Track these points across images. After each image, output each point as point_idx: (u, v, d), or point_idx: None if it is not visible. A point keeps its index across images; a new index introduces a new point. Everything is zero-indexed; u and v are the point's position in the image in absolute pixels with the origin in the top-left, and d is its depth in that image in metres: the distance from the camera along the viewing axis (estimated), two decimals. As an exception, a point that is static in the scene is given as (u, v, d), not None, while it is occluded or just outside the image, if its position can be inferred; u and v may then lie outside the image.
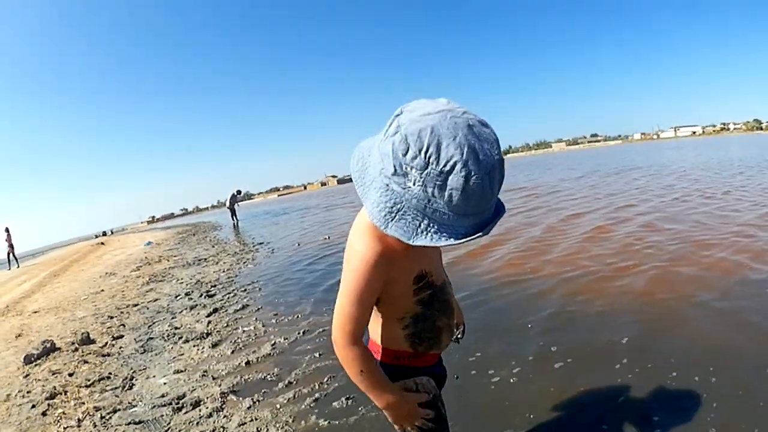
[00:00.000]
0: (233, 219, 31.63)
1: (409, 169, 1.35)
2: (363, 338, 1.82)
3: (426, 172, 1.33)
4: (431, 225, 1.41)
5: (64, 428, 4.46)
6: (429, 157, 1.31)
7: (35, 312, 10.84)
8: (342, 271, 1.80)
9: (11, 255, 31.25)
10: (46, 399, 5.17)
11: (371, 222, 1.55)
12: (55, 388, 5.42)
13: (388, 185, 1.42)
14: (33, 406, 5.04)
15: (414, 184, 1.36)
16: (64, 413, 4.81)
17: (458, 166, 1.30)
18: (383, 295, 1.83)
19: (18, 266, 30.86)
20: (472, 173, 1.31)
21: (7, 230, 30.95)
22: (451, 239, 1.41)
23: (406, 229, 1.42)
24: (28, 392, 5.48)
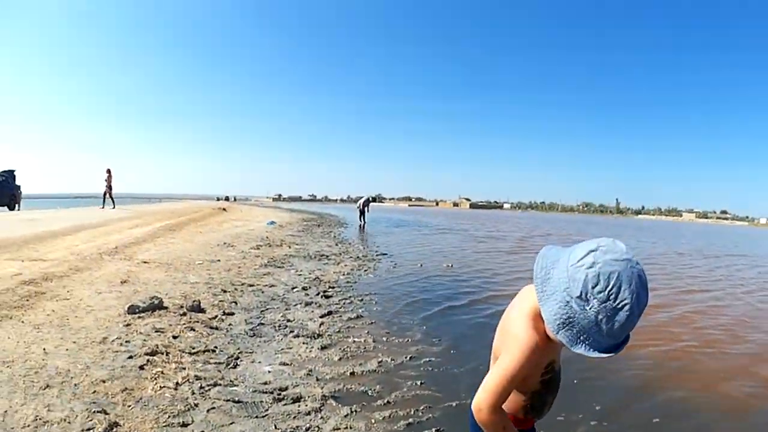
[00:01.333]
0: (361, 219, 32.45)
1: (592, 298, 1.87)
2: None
3: (605, 305, 1.85)
4: (587, 339, 1.94)
5: (161, 387, 4.89)
6: (611, 295, 1.84)
7: (145, 262, 11.53)
8: (503, 347, 2.26)
9: (108, 195, 32.82)
10: (146, 354, 5.62)
11: (533, 314, 2.15)
12: (157, 346, 5.88)
13: (568, 302, 1.93)
14: (130, 357, 5.51)
15: (590, 310, 1.88)
16: (162, 372, 5.26)
17: (627, 307, 1.84)
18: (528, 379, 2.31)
19: (114, 207, 32.74)
20: (634, 313, 1.85)
21: (108, 171, 32.59)
22: (597, 353, 1.93)
23: (571, 338, 1.95)
24: (126, 342, 5.97)
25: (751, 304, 12.22)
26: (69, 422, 3.94)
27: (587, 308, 1.89)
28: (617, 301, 1.84)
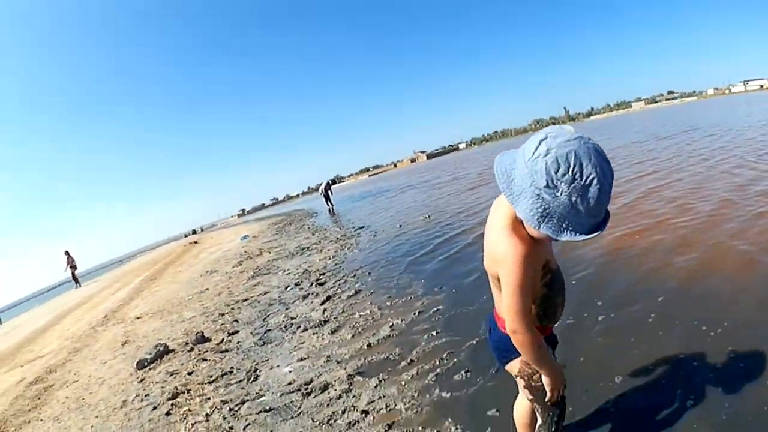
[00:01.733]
0: (328, 204, 32.33)
1: (559, 183, 1.91)
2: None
3: (573, 185, 1.90)
4: (570, 224, 1.99)
5: (192, 424, 4.89)
6: (575, 175, 1.89)
7: (138, 318, 11.48)
8: (500, 269, 2.29)
9: (74, 276, 32.80)
10: (168, 399, 5.60)
11: (511, 224, 2.23)
12: (176, 388, 5.85)
13: (539, 195, 1.97)
14: (154, 408, 5.47)
15: (562, 195, 1.93)
16: (189, 410, 5.25)
17: (594, 181, 1.89)
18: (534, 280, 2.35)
19: (79, 286, 32.73)
20: (604, 185, 1.91)
21: (66, 253, 32.37)
22: (583, 235, 2.01)
23: (554, 229, 2.01)
24: (146, 395, 5.92)
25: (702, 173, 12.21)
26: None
27: (558, 195, 1.94)
28: (583, 179, 1.90)
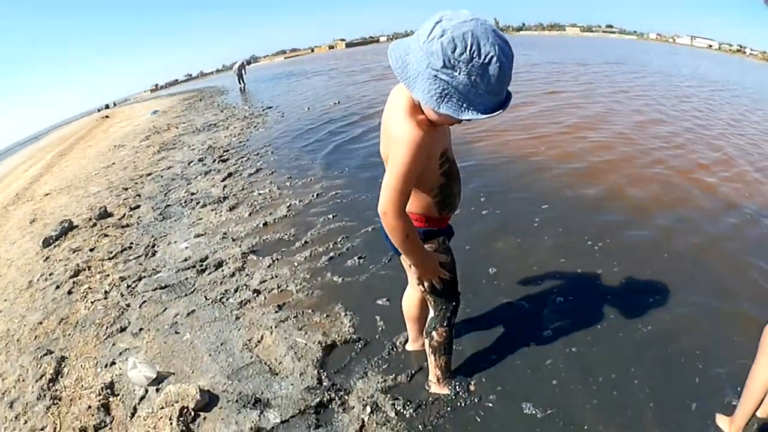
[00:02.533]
0: (239, 83, 31.49)
1: (456, 62, 1.82)
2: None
3: (471, 64, 1.82)
4: (471, 103, 1.91)
5: (92, 302, 4.73)
6: (473, 53, 1.81)
7: (47, 195, 10.94)
8: (390, 152, 2.21)
9: None
10: (70, 277, 5.38)
11: (408, 109, 2.13)
12: (78, 265, 5.64)
13: (436, 76, 1.87)
14: (57, 287, 5.25)
15: (460, 74, 1.84)
16: (90, 288, 5.08)
17: (494, 59, 1.82)
18: (421, 171, 2.25)
19: None
20: (504, 63, 1.84)
21: None
22: (485, 114, 1.93)
23: (454, 108, 1.91)
24: (50, 275, 5.67)
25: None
26: (23, 380, 3.73)
27: (456, 74, 1.85)
28: (482, 57, 1.82)
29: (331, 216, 5.84)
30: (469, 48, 1.80)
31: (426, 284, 2.58)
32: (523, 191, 6.10)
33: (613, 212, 5.46)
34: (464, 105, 1.92)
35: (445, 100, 1.91)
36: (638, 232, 4.94)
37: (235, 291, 4.46)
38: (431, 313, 2.83)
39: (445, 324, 2.79)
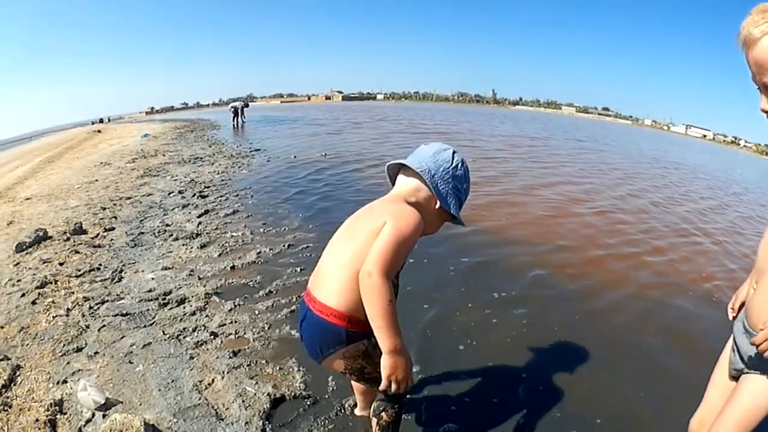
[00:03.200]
0: (233, 120, 31.41)
1: (466, 185, 2.73)
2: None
3: (467, 187, 2.75)
4: (458, 211, 2.69)
5: (53, 317, 4.67)
6: (468, 182, 2.76)
7: (27, 199, 10.79)
8: (389, 219, 2.35)
9: None
10: (37, 288, 5.30)
11: (413, 203, 2.57)
12: (45, 277, 5.56)
13: (457, 193, 2.68)
14: (23, 295, 5.17)
15: (464, 193, 2.74)
16: (53, 302, 5.01)
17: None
18: (407, 253, 2.41)
19: None
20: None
21: None
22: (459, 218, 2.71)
23: (456, 208, 2.68)
24: (18, 281, 5.59)
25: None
26: (-22, 385, 3.72)
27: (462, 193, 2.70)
28: (469, 184, 2.74)
29: (298, 269, 5.85)
30: (467, 177, 2.69)
31: (393, 384, 2.29)
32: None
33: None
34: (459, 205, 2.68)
35: (454, 203, 2.63)
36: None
37: (193, 330, 4.45)
38: (381, 396, 2.60)
39: (396, 406, 2.60)
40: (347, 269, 2.33)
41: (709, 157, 42.06)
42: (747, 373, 2.12)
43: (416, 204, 2.53)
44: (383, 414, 2.59)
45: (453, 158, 2.61)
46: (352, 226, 2.58)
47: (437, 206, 2.58)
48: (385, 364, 2.24)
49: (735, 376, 2.25)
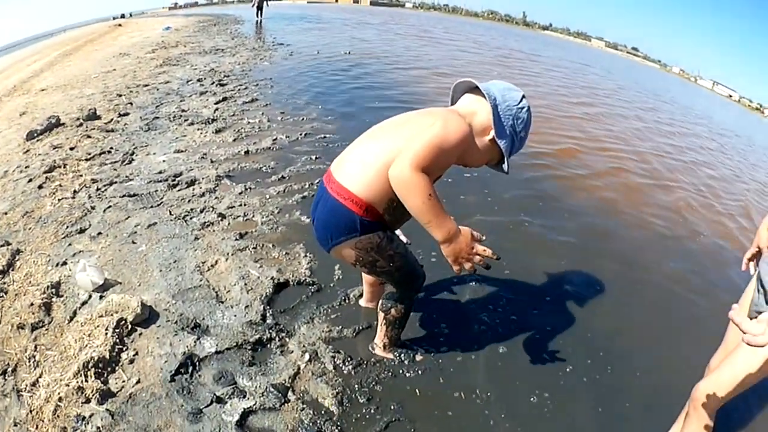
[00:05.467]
0: (257, 16, 30.92)
1: (523, 131, 2.50)
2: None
3: (525, 134, 2.51)
4: (510, 155, 2.47)
5: (59, 200, 4.51)
6: (527, 130, 2.52)
7: (42, 90, 10.60)
8: (430, 118, 2.25)
9: None
10: (44, 173, 5.15)
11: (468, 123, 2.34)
12: (54, 161, 5.40)
13: (513, 127, 2.43)
14: (30, 180, 5.02)
15: (518, 137, 2.47)
16: (60, 185, 4.85)
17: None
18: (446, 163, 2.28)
19: None
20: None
21: None
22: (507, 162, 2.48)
23: (506, 149, 2.43)
24: (26, 167, 5.45)
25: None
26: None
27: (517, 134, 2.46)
28: (527, 134, 2.51)
29: (314, 157, 5.65)
30: (528, 125, 2.47)
31: (464, 266, 2.18)
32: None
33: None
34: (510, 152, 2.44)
35: (506, 142, 2.39)
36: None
37: (201, 211, 4.28)
38: (391, 289, 2.65)
39: (405, 302, 2.64)
40: (380, 158, 2.20)
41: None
42: None
43: (471, 126, 2.35)
44: (392, 309, 2.64)
45: (521, 100, 2.41)
46: (395, 122, 2.43)
47: (490, 137, 2.36)
48: (446, 252, 2.17)
49: (755, 318, 2.05)
